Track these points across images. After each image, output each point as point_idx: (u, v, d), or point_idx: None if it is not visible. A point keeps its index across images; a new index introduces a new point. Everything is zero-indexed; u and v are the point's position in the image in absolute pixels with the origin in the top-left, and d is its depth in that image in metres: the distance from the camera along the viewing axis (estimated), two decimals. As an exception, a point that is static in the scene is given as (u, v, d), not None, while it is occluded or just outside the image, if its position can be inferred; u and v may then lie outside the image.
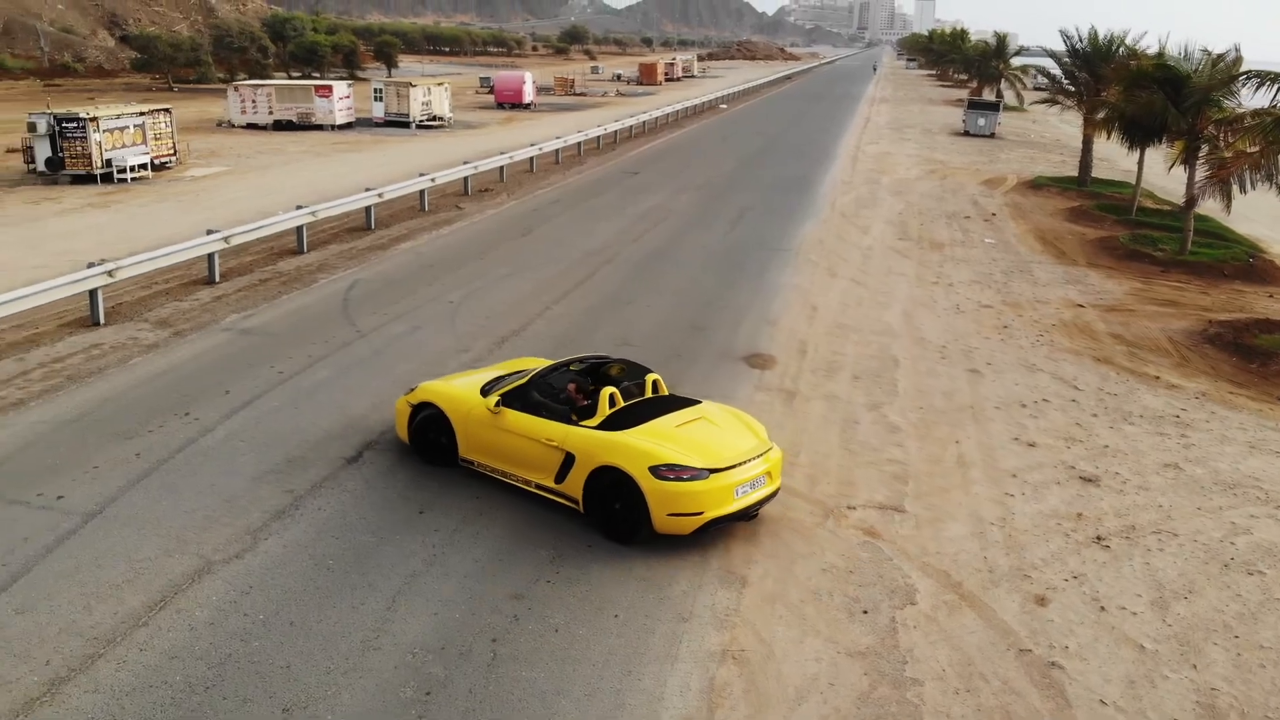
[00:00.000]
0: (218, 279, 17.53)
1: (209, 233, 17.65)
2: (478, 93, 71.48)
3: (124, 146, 34.77)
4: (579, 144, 35.75)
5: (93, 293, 14.85)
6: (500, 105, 61.44)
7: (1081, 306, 17.76)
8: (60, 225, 26.57)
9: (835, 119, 57.18)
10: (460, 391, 10.17)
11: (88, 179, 33.37)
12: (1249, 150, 17.64)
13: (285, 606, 7.77)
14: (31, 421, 11.22)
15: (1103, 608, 8.24)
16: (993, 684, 7.21)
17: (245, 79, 58.81)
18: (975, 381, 13.59)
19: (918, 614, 8.04)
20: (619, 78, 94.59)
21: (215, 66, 71.20)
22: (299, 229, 19.78)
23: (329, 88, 49.15)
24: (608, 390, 9.50)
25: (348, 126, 49.68)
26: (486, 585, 8.19)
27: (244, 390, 12.25)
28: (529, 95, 62.20)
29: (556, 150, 33.53)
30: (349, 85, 51.12)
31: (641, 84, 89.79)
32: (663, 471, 8.63)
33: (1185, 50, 23.32)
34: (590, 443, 9.06)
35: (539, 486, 9.39)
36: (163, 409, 11.58)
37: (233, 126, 49.47)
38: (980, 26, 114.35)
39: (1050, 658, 7.56)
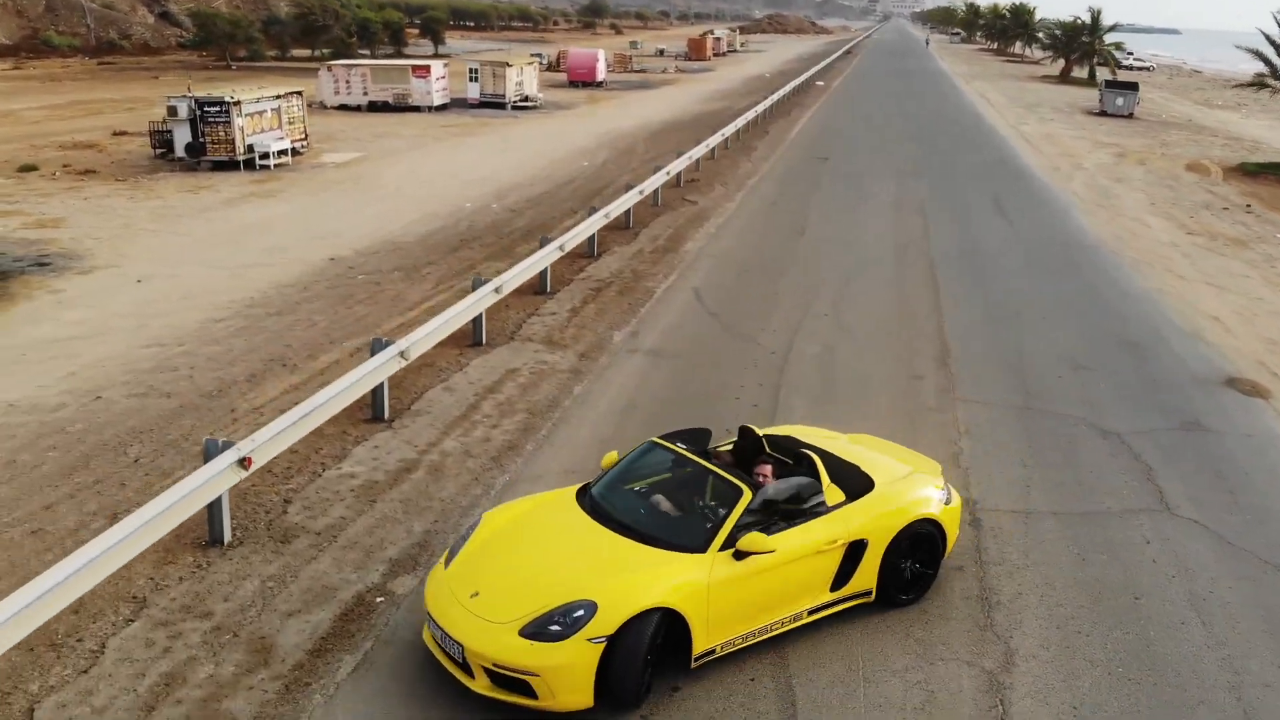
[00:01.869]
0: (548, 289, 16.18)
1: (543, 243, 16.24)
2: (541, 70, 70.09)
3: (263, 131, 33.49)
4: (735, 131, 34.17)
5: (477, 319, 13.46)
6: (573, 84, 60.20)
7: None
8: (240, 217, 25.31)
9: (947, 97, 55.75)
10: (675, 568, 6.65)
11: (229, 165, 32.11)
12: None
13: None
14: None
15: None
16: None
17: (333, 58, 57.29)
18: None
19: None
20: (662, 53, 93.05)
21: (265, 43, 69.73)
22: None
23: (426, 68, 47.81)
24: (775, 459, 7.79)
25: (443, 108, 48.46)
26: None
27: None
28: (601, 73, 61.16)
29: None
30: (444, 65, 49.78)
31: (691, 59, 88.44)
32: (942, 497, 7.96)
33: None
34: (872, 512, 7.45)
35: (810, 611, 7.30)
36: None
37: (325, 108, 48.04)
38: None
39: None
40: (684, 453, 7.57)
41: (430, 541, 8.67)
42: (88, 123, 39.92)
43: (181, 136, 32.35)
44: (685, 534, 6.91)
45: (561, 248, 16.11)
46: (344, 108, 47.51)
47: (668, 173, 23.40)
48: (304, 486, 9.60)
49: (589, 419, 11.36)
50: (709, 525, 6.95)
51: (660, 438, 7.80)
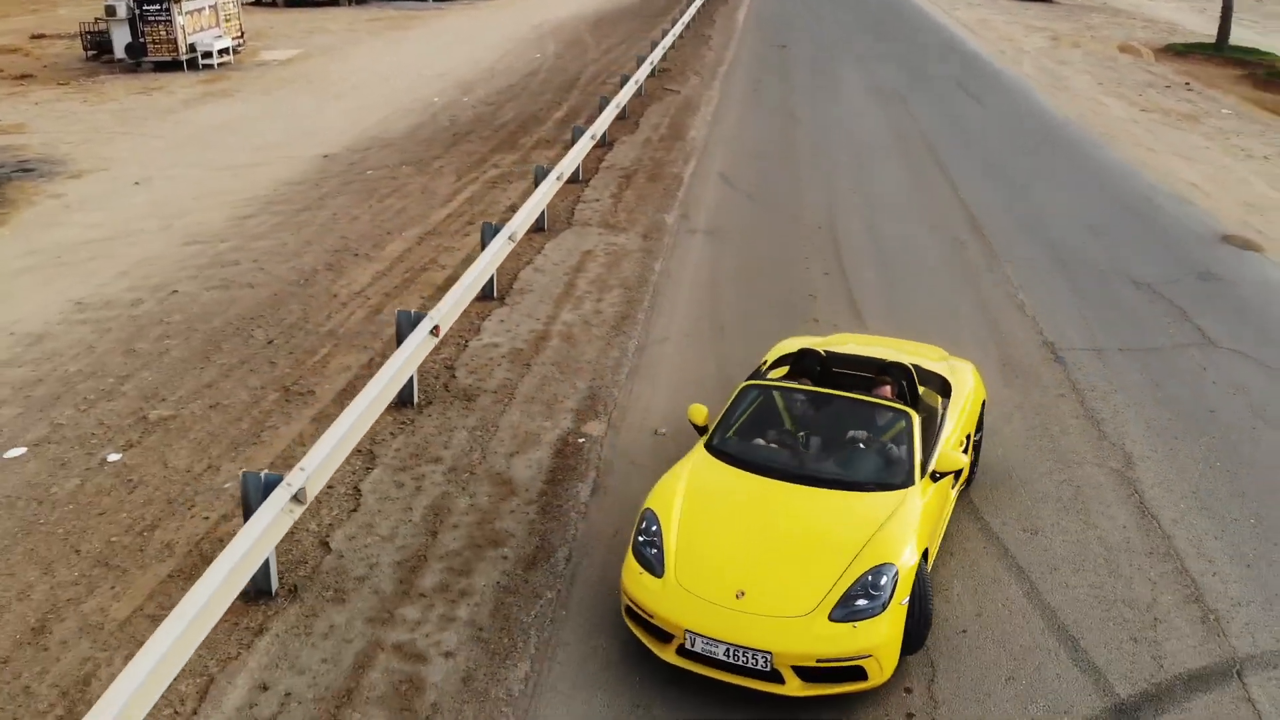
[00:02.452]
0: (580, 177, 17.00)
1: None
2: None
3: (202, 30, 32.78)
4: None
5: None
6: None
7: None
8: (205, 118, 25.33)
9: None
10: (905, 508, 6.49)
11: (172, 66, 31.48)
12: None
13: None
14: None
15: None
16: None
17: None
18: None
19: None
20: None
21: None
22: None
23: (345, -41, 46.70)
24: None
25: (363, 1, 47.67)
26: None
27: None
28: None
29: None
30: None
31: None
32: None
33: None
34: (965, 406, 7.85)
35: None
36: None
37: (242, 3, 46.62)
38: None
39: None
40: (816, 390, 7.34)
41: (597, 394, 9.74)
42: (9, 25, 38.13)
43: (121, 37, 31.46)
44: (886, 472, 6.74)
45: (594, 136, 16.87)
46: (260, 3, 46.25)
47: (651, 63, 24.05)
48: (456, 356, 10.52)
49: (682, 290, 12.44)
50: (899, 457, 6.79)
51: (751, 379, 7.58)
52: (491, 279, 11.76)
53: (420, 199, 17.37)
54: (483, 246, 11.68)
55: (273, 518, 6.40)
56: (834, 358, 7.81)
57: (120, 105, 27.39)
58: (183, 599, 5.76)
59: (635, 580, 6.18)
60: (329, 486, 8.11)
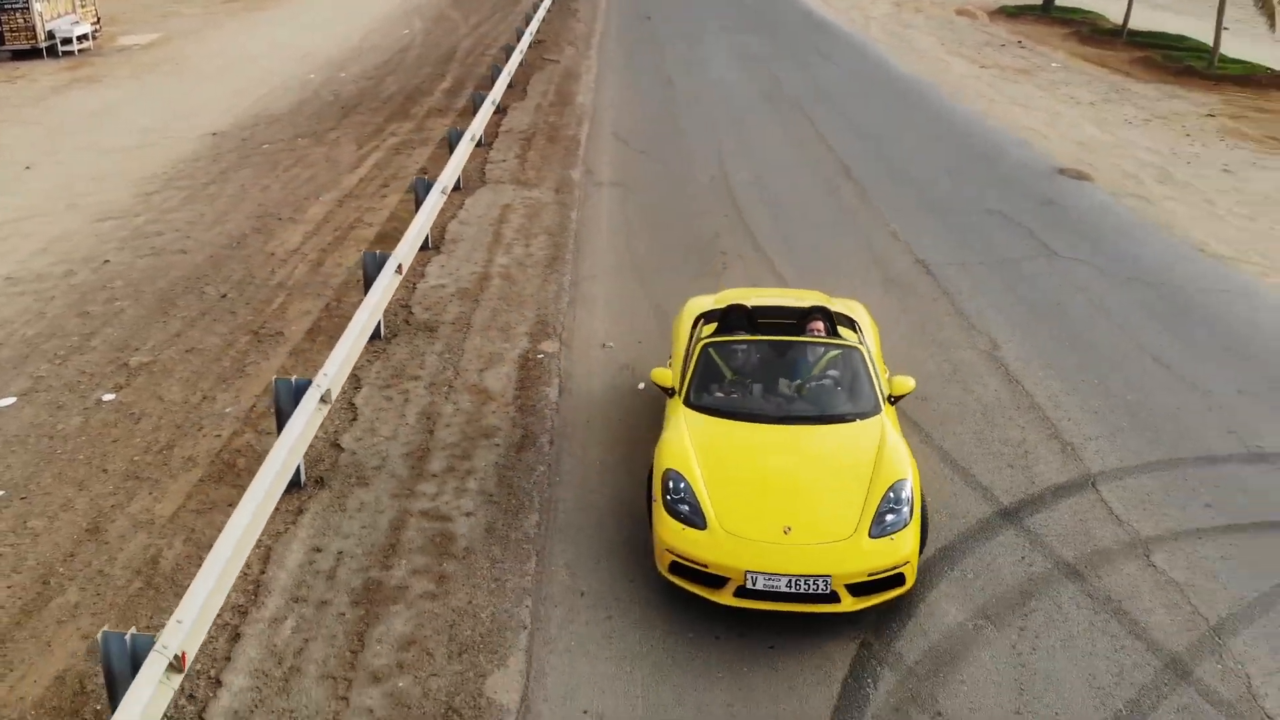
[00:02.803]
0: (482, 141, 18.20)
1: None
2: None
3: (58, 16, 32.43)
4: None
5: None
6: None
7: (1212, 116, 21.57)
8: (78, 104, 25.66)
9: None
10: (886, 431, 7.33)
11: (31, 54, 31.13)
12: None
13: None
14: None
15: None
16: None
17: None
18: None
19: None
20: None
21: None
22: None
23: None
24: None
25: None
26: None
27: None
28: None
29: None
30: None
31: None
32: None
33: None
34: (870, 333, 8.96)
35: None
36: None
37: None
38: None
39: None
40: (773, 338, 7.98)
41: (545, 320, 11.13)
42: None
43: (-24, 25, 30.73)
44: (859, 402, 7.51)
45: (493, 101, 18.10)
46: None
47: (531, 34, 25.31)
48: (409, 297, 11.72)
49: (601, 236, 13.90)
50: (865, 388, 7.58)
51: (708, 341, 7.98)
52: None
53: (327, 167, 18.27)
54: (417, 203, 12.85)
55: (308, 416, 7.60)
56: (759, 310, 8.36)
57: (-17, 94, 27.07)
58: (251, 484, 6.91)
59: (679, 535, 6.54)
60: (321, 401, 9.26)
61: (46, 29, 31.17)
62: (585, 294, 11.89)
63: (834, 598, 6.36)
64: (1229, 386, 9.76)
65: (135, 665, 5.09)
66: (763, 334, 8.05)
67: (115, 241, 15.37)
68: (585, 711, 5.97)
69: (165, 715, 5.36)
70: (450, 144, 15.34)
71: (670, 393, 7.82)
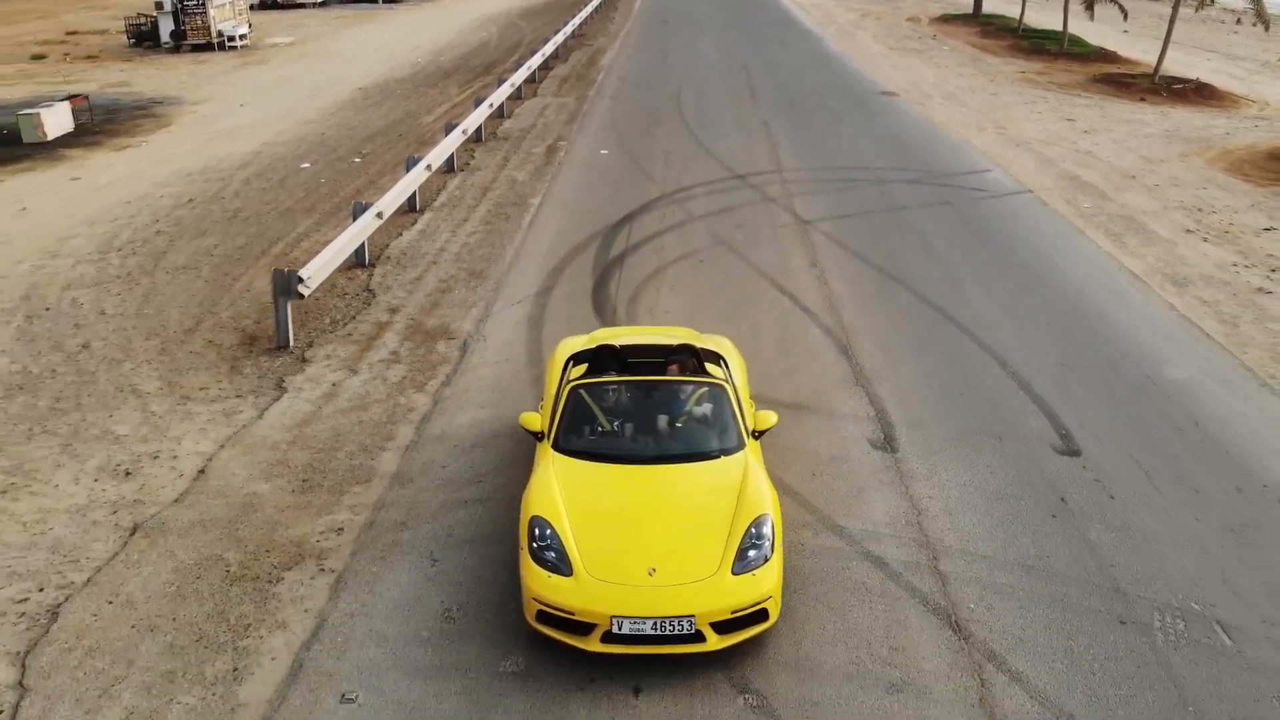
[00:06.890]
0: (535, 79, 30.55)
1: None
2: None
3: (225, 20, 44.92)
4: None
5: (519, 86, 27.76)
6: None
7: (1023, 72, 33.11)
8: (261, 76, 37.09)
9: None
10: (750, 466, 7.67)
11: (206, 48, 43.22)
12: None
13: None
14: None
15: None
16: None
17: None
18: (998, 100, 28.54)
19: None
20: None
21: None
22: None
23: (308, -29, 59.14)
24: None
25: (324, 4, 60.57)
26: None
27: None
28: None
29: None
30: (324, -33, 61.19)
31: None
32: None
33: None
34: (736, 365, 9.38)
35: None
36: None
37: (239, 7, 58.71)
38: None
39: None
40: (639, 379, 8.19)
41: (562, 138, 23.27)
42: (40, 25, 49.95)
43: (166, 25, 42.68)
44: (723, 438, 7.81)
45: (544, 55, 30.46)
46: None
47: (574, 25, 37.77)
48: (495, 127, 23.85)
49: (599, 117, 25.77)
50: (729, 424, 7.89)
51: (576, 383, 8.13)
52: (502, 106, 25.07)
53: (441, 97, 30.43)
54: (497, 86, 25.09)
55: (454, 145, 19.69)
56: (628, 349, 8.56)
57: (187, 71, 39.46)
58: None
59: (545, 583, 6.71)
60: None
61: (217, 29, 43.68)
62: (585, 131, 23.68)
63: (699, 637, 6.58)
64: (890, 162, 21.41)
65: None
66: (631, 374, 8.31)
67: (323, 127, 27.64)
68: None
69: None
70: (518, 66, 27.63)
71: (539, 437, 7.96)
